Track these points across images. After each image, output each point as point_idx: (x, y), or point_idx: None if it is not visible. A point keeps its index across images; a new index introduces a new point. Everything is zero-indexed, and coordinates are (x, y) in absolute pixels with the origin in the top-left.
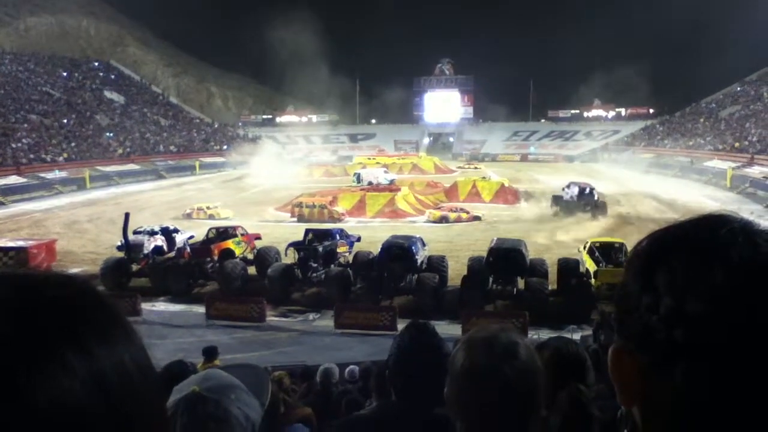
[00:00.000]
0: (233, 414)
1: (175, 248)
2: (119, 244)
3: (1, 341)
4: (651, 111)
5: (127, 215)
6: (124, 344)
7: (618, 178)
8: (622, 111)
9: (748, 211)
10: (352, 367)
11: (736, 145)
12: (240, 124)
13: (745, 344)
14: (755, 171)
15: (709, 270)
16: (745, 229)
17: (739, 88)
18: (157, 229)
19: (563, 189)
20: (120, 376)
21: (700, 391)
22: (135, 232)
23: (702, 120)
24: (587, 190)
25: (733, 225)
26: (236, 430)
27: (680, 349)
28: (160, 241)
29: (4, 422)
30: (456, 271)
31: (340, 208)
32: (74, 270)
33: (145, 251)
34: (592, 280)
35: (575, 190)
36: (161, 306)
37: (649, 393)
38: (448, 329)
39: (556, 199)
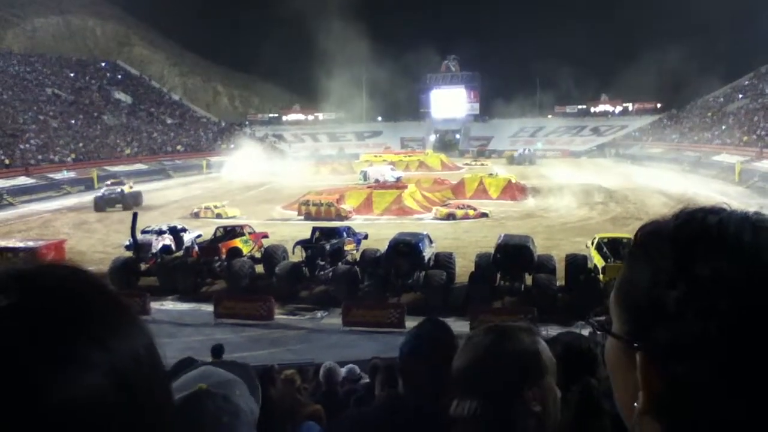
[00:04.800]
0: (242, 408)
1: (183, 247)
2: (127, 243)
3: (19, 341)
4: (659, 106)
5: (135, 215)
6: (136, 336)
7: (625, 172)
8: (630, 106)
9: (757, 205)
10: (350, 365)
11: (745, 139)
12: (247, 122)
13: None
14: (764, 165)
15: (758, 267)
16: (758, 221)
17: (747, 82)
18: (165, 228)
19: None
20: (135, 368)
21: (741, 394)
22: (143, 232)
23: (710, 114)
24: (525, 151)
25: (754, 218)
26: (245, 421)
27: (736, 354)
28: (168, 240)
29: (29, 422)
30: (464, 268)
31: (347, 205)
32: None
33: (154, 250)
34: (600, 276)
35: (520, 151)
36: (169, 305)
37: (673, 401)
38: (455, 326)
39: (510, 156)
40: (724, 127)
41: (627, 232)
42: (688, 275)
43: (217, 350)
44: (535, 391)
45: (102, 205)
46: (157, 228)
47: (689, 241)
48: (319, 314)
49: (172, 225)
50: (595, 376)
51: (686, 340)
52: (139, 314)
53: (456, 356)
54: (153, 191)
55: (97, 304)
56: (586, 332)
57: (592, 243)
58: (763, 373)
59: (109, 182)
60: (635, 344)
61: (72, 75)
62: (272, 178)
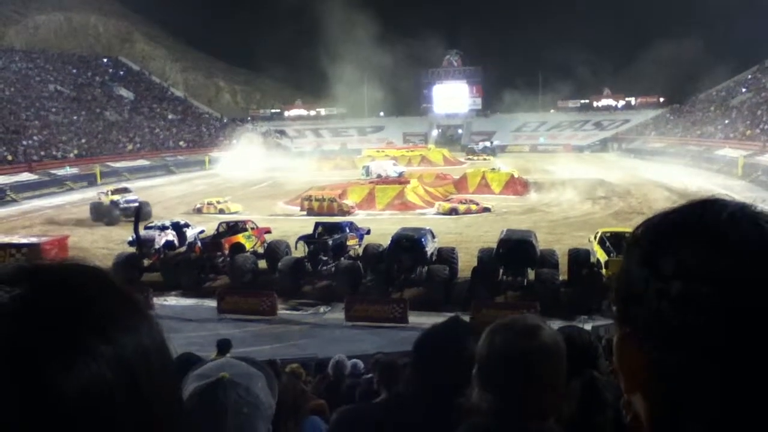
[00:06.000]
0: (262, 401)
1: (186, 243)
2: (130, 239)
3: (28, 334)
4: (661, 100)
5: (138, 211)
6: (144, 332)
7: (628, 167)
8: (632, 100)
9: (760, 199)
10: (355, 360)
11: (748, 133)
12: (249, 118)
13: (755, 327)
14: (767, 159)
15: (717, 253)
16: (745, 211)
17: (750, 76)
18: (167, 224)
19: (476, 144)
20: (143, 363)
21: (707, 378)
22: (146, 228)
23: (713, 108)
24: (490, 143)
25: (734, 208)
26: (265, 415)
27: (690, 335)
28: (171, 235)
29: (37, 413)
30: (466, 263)
31: (349, 201)
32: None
33: (156, 246)
34: (603, 270)
35: (482, 144)
36: (173, 300)
37: (653, 380)
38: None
39: (471, 149)
40: (727, 122)
41: (630, 227)
42: (654, 260)
43: (224, 345)
44: (554, 386)
45: (115, 217)
46: (159, 224)
47: (667, 230)
48: (321, 309)
49: (174, 221)
50: (597, 369)
51: (649, 320)
52: (146, 306)
53: (478, 349)
54: (155, 187)
55: (105, 298)
56: (588, 326)
57: (595, 237)
58: (719, 352)
59: (110, 190)
60: (623, 331)
61: (74, 71)
62: (274, 173)
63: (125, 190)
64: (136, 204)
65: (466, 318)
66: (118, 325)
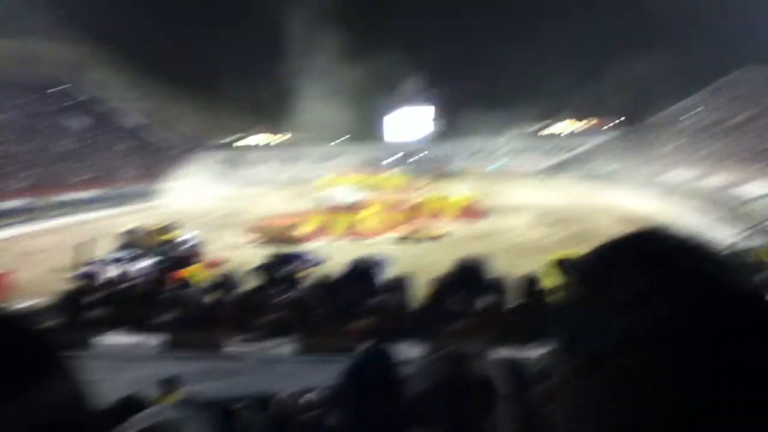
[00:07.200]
0: None
1: (133, 277)
2: (75, 274)
3: None
4: (614, 123)
5: (84, 244)
6: (60, 385)
7: (582, 191)
8: (586, 124)
9: (709, 221)
10: (311, 394)
11: (698, 155)
12: (205, 146)
13: (702, 359)
14: (716, 182)
15: (661, 285)
16: (688, 243)
17: (700, 98)
18: (114, 257)
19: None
20: (58, 418)
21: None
22: (90, 262)
23: (663, 131)
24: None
25: (678, 239)
26: None
27: (634, 372)
28: (117, 269)
29: None
30: (420, 291)
31: (304, 230)
32: (29, 302)
33: (101, 281)
34: (554, 297)
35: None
36: (117, 337)
37: (604, 415)
38: (411, 351)
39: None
40: (677, 144)
41: (581, 252)
42: (598, 292)
43: (170, 384)
44: (497, 417)
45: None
46: (106, 258)
47: (612, 260)
48: (273, 343)
49: (121, 254)
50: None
51: (593, 354)
52: (66, 355)
53: (413, 384)
54: (107, 219)
55: (17, 353)
56: (537, 353)
57: (547, 263)
58: (665, 389)
59: (152, 230)
60: (570, 362)
61: (25, 99)
62: (229, 202)
63: (167, 229)
64: (194, 242)
65: (420, 348)
66: (30, 383)
